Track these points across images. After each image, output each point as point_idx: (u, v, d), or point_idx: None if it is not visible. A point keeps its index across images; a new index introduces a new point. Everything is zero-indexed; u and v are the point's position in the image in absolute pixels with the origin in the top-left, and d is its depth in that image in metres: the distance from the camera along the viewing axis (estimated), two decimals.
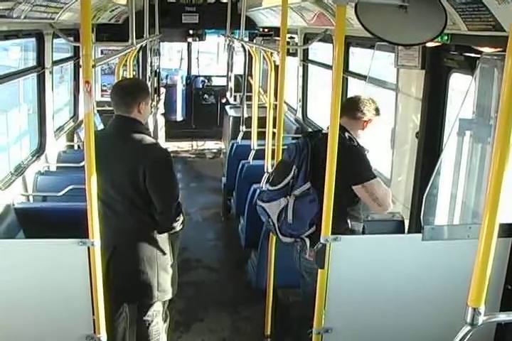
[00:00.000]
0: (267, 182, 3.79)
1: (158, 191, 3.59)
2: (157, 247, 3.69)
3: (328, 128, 2.85)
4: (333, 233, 2.90)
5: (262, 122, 5.50)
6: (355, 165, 3.40)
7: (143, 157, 3.54)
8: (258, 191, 5.12)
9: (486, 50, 3.40)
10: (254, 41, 8.71)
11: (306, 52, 8.42)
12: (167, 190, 3.63)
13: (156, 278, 3.72)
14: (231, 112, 9.71)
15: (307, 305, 3.34)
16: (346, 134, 3.50)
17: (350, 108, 3.59)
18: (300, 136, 7.82)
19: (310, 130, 4.32)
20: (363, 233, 3.62)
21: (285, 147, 4.51)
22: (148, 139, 3.63)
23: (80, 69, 2.72)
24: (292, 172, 3.54)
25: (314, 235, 3.40)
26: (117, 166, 3.57)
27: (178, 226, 3.71)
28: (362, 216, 3.64)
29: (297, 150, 3.58)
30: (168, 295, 3.86)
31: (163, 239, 3.71)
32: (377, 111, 3.66)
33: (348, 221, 3.50)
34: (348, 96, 6.37)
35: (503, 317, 2.28)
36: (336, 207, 2.90)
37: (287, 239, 3.64)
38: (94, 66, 2.68)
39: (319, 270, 2.96)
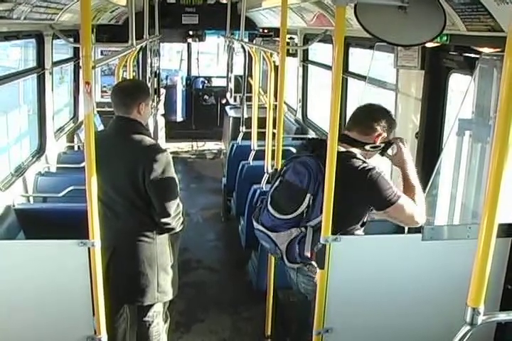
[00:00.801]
0: (273, 209, 3.40)
1: (157, 192, 3.59)
2: (157, 248, 3.69)
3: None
4: None
5: (262, 123, 5.51)
6: (372, 191, 3.14)
7: (142, 158, 3.54)
8: (258, 191, 5.12)
9: (485, 50, 3.40)
10: (254, 42, 8.71)
11: (305, 52, 8.43)
12: (166, 191, 3.62)
13: (156, 279, 3.73)
14: (231, 113, 9.73)
15: (306, 307, 3.35)
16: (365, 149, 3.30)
17: (362, 121, 3.32)
18: (300, 136, 7.92)
19: (313, 137, 4.00)
20: None
21: (285, 148, 4.52)
22: (148, 140, 3.64)
23: (80, 70, 2.72)
24: (307, 201, 3.23)
25: None
26: (117, 167, 3.58)
27: (178, 227, 3.71)
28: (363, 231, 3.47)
29: (310, 175, 3.24)
30: (169, 296, 3.86)
31: (163, 239, 3.72)
32: (390, 124, 3.35)
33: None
34: (348, 96, 6.42)
35: (503, 316, 2.28)
36: (342, 227, 2.91)
37: (294, 265, 3.41)
38: (94, 67, 2.68)
39: (319, 270, 2.97)
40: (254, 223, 3.52)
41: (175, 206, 3.64)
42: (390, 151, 3.38)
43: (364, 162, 3.20)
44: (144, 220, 3.65)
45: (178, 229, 3.73)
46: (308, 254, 3.22)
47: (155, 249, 3.69)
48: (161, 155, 3.58)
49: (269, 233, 3.39)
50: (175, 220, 3.65)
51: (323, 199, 3.02)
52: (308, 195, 3.22)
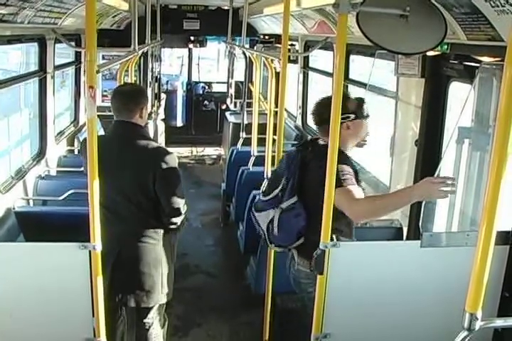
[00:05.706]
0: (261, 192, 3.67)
1: (168, 193, 3.65)
2: (161, 249, 3.74)
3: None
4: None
5: (262, 129, 5.53)
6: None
7: (152, 161, 3.60)
8: (258, 197, 5.14)
9: (485, 59, 3.43)
10: (255, 48, 8.74)
11: (306, 59, 8.46)
12: (177, 192, 3.68)
13: (161, 280, 3.76)
14: (231, 118, 9.75)
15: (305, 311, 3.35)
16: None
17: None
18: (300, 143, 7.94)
19: (309, 138, 4.14)
20: None
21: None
22: (154, 143, 3.72)
23: (81, 74, 2.75)
24: (282, 184, 3.38)
25: (302, 246, 3.37)
26: (124, 171, 3.60)
27: (181, 226, 3.79)
28: (351, 230, 3.41)
29: (287, 162, 3.44)
30: (167, 298, 3.89)
31: (165, 240, 3.76)
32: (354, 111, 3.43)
33: (333, 236, 2.94)
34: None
35: (500, 322, 2.30)
36: (319, 221, 2.84)
37: (276, 248, 3.58)
38: (98, 71, 2.70)
39: (318, 276, 2.98)
40: (252, 210, 3.67)
41: (183, 205, 3.72)
42: None
43: (342, 152, 3.14)
44: (150, 222, 3.70)
45: (179, 224, 3.79)
46: (276, 233, 3.38)
47: (159, 250, 3.73)
48: (169, 157, 3.65)
49: (255, 213, 3.57)
50: (182, 219, 3.75)
51: (293, 183, 3.29)
52: (284, 179, 3.38)
